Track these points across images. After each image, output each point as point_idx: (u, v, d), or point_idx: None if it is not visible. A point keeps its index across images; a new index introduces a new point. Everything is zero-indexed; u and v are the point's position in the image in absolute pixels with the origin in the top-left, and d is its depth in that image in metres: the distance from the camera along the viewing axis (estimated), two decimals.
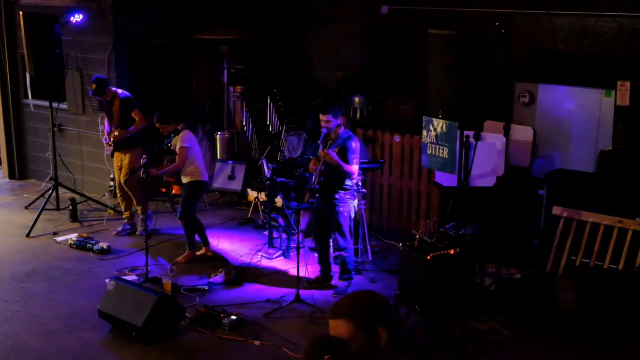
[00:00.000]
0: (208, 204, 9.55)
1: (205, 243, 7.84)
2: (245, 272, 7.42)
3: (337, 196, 6.82)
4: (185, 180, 7.59)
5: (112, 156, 8.64)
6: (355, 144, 6.79)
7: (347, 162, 6.69)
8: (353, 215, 7.10)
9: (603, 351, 5.87)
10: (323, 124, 6.83)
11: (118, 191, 8.63)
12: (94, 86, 8.28)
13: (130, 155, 8.34)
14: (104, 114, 8.83)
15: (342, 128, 6.88)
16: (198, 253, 7.82)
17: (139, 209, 8.57)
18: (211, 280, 7.15)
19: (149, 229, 8.06)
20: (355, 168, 6.77)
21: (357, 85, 9.48)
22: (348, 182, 6.85)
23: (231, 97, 10.63)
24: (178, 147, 7.47)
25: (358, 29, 9.96)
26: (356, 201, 7.10)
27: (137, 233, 8.53)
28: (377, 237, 8.42)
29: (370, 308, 2.58)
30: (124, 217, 8.68)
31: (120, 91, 8.41)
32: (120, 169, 8.46)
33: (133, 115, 8.33)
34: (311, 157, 7.39)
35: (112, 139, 8.41)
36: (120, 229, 8.60)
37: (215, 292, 6.94)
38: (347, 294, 6.88)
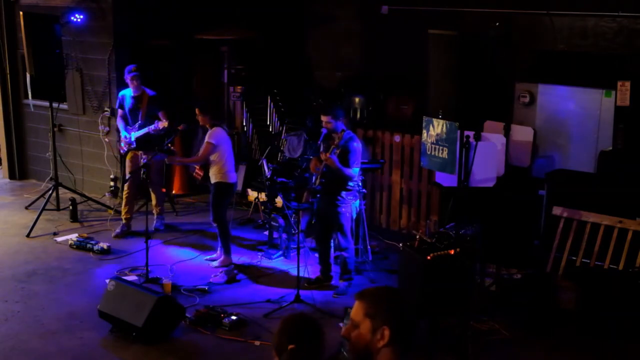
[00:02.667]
0: (207, 204, 9.57)
1: (226, 251, 7.68)
2: (245, 272, 7.43)
3: (338, 196, 6.82)
4: (212, 179, 7.52)
5: (126, 154, 8.57)
6: (357, 145, 6.78)
7: (347, 164, 6.68)
8: (354, 216, 7.10)
9: (603, 351, 5.88)
10: (323, 124, 6.83)
11: (127, 189, 8.51)
12: (134, 68, 8.27)
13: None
14: (104, 113, 8.78)
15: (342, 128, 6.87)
16: (208, 257, 7.80)
17: (157, 208, 8.62)
18: (211, 280, 7.15)
19: (150, 229, 8.06)
20: (354, 171, 6.76)
21: (357, 85, 9.48)
22: (350, 183, 6.85)
23: (231, 97, 10.64)
24: (205, 141, 7.45)
25: (358, 29, 9.97)
26: (357, 201, 7.09)
27: (154, 228, 8.56)
28: (377, 237, 8.42)
29: (386, 304, 2.62)
30: (124, 217, 8.57)
31: (147, 90, 8.41)
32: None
33: (160, 115, 8.31)
34: (311, 157, 7.39)
35: (132, 137, 8.33)
36: (118, 230, 8.52)
37: (215, 292, 6.94)
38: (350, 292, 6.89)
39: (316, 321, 2.89)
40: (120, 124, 8.57)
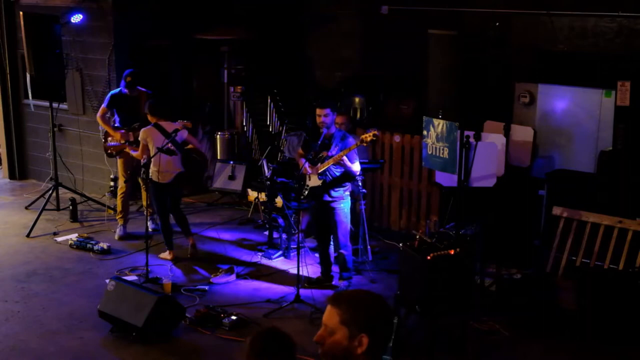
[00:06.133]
0: (207, 204, 9.58)
1: (169, 246, 7.73)
2: (245, 272, 7.42)
3: (332, 193, 6.77)
4: None
5: (117, 155, 8.41)
6: (352, 141, 6.73)
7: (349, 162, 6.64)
8: (350, 205, 6.99)
9: (603, 351, 5.88)
10: (320, 118, 6.61)
11: (123, 192, 8.40)
12: (128, 78, 8.17)
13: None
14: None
15: (335, 127, 6.81)
16: (161, 255, 7.76)
17: (150, 209, 8.38)
18: (212, 280, 7.16)
19: (150, 228, 8.05)
20: (357, 166, 6.73)
21: (357, 85, 9.48)
22: (357, 177, 6.80)
23: (231, 97, 10.63)
24: None
25: (358, 29, 9.96)
26: (349, 195, 7.00)
27: (150, 228, 8.45)
28: (377, 237, 8.41)
29: (364, 311, 2.49)
30: (123, 218, 8.51)
31: (142, 88, 8.33)
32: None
33: None
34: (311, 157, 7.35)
35: (132, 138, 8.19)
36: (122, 233, 8.45)
37: (215, 292, 6.94)
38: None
39: (285, 335, 2.79)
40: (106, 122, 8.42)
